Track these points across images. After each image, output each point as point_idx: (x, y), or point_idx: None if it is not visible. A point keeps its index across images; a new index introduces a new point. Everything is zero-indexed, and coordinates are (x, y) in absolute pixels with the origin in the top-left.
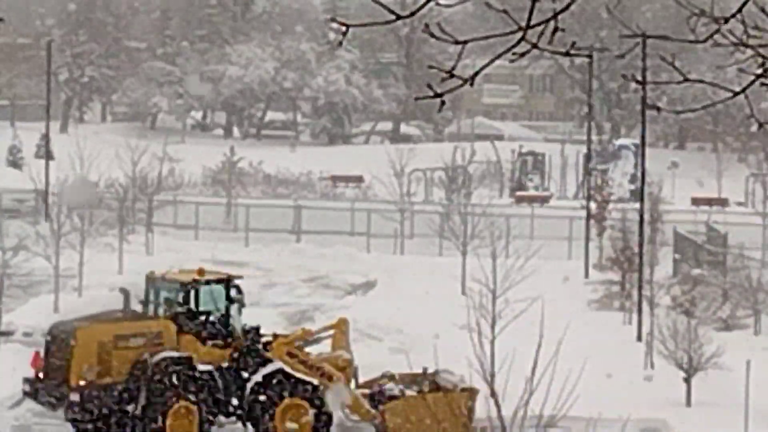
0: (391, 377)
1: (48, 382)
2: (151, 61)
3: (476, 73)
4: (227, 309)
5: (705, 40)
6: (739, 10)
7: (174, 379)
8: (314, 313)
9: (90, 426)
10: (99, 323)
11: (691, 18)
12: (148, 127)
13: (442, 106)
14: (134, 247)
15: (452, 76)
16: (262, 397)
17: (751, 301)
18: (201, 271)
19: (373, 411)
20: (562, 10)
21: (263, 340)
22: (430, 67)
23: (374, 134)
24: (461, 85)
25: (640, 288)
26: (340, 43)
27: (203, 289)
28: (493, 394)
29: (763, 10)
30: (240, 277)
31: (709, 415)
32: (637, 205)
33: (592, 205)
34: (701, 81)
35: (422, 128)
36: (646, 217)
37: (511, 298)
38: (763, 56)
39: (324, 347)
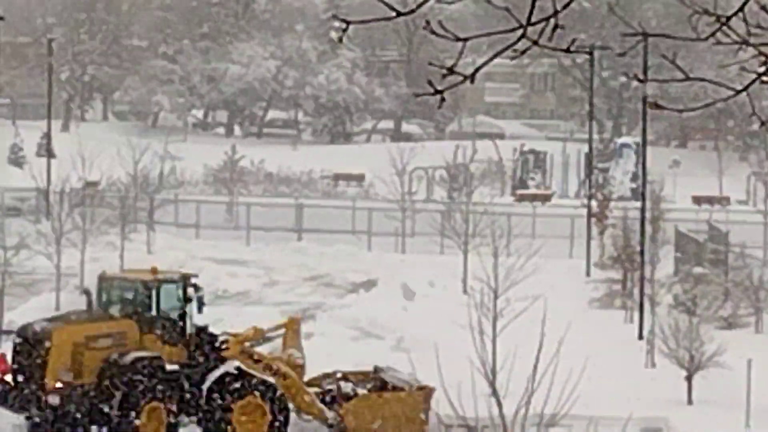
0: (338, 376)
1: (20, 385)
2: (152, 60)
3: (476, 70)
4: (184, 308)
5: (707, 39)
6: (741, 9)
7: (149, 379)
8: (315, 312)
9: (68, 429)
10: (71, 324)
11: (692, 16)
12: (150, 126)
13: (441, 103)
14: (135, 245)
15: (453, 73)
16: (219, 397)
17: (752, 299)
18: (154, 270)
19: (326, 410)
20: (563, 8)
21: (221, 338)
22: (431, 64)
23: (376, 133)
24: (461, 82)
25: (641, 286)
26: (341, 40)
27: (164, 288)
28: (494, 392)
29: (764, 8)
30: (195, 276)
31: (711, 413)
32: (639, 204)
33: (594, 204)
34: (703, 79)
35: (424, 127)
36: (648, 215)
37: (512, 297)
38: (765, 55)
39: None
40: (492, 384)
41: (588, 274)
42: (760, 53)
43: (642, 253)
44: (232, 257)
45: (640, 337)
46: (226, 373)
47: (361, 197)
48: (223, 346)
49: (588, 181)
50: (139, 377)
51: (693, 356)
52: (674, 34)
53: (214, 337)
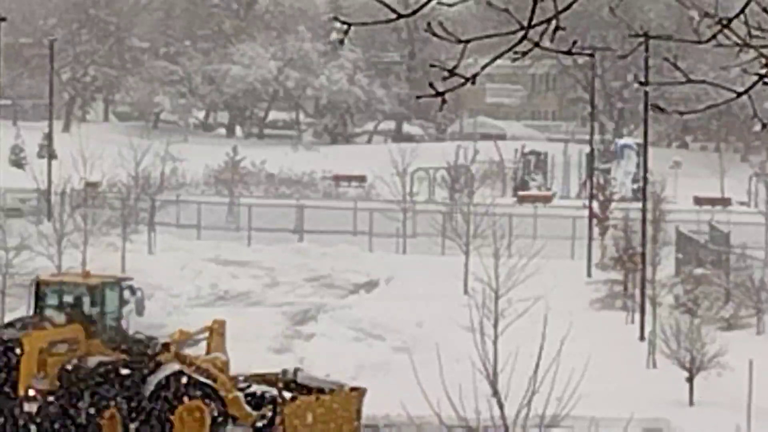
0: (242, 377)
1: None
2: (153, 61)
3: (478, 72)
4: (121, 311)
5: (708, 41)
6: (742, 11)
7: (111, 385)
8: (317, 313)
9: None
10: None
11: (693, 18)
12: (151, 127)
13: (443, 105)
14: (137, 246)
15: (454, 74)
16: (163, 400)
17: (753, 300)
18: (87, 274)
19: (253, 413)
20: (564, 9)
21: (153, 342)
22: (432, 65)
23: (377, 134)
24: (463, 84)
25: (642, 287)
26: (342, 42)
27: (107, 292)
28: (495, 393)
29: (765, 10)
30: (131, 279)
31: (712, 414)
32: (640, 205)
33: (595, 205)
34: (704, 81)
35: (425, 128)
36: (649, 216)
37: (513, 298)
38: (766, 56)
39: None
40: (493, 385)
41: (589, 275)
42: (762, 55)
43: (643, 254)
44: (234, 258)
45: (642, 337)
46: (169, 377)
47: (362, 198)
48: (158, 350)
49: (589, 182)
50: (103, 382)
51: (694, 357)
52: (675, 36)
53: (150, 340)
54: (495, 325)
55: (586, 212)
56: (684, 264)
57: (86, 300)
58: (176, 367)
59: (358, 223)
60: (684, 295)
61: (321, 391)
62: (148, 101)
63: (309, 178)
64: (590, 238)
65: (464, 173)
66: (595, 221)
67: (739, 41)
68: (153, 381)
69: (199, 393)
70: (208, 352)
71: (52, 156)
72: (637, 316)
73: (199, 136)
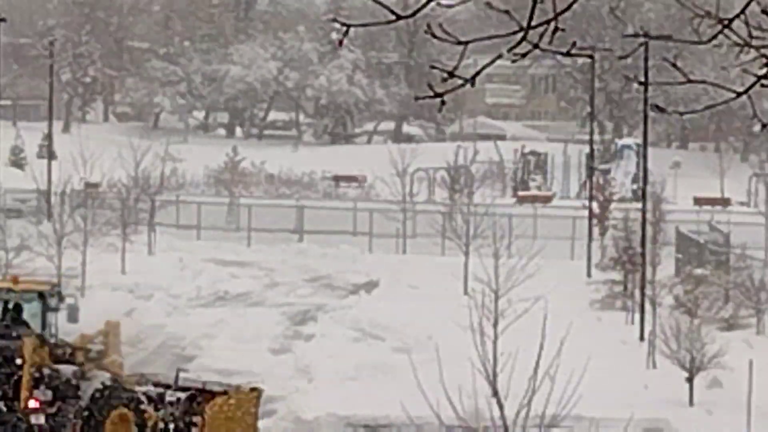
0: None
1: None
2: (153, 61)
3: (477, 73)
4: (45, 317)
5: (708, 41)
6: (743, 11)
7: (97, 395)
8: (317, 313)
9: None
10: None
11: (694, 18)
12: (151, 127)
13: (442, 106)
14: (137, 246)
15: (453, 76)
16: (96, 409)
17: (753, 300)
18: (15, 279)
19: (155, 414)
20: (564, 11)
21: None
22: (432, 66)
23: (377, 134)
24: (462, 85)
25: (642, 288)
26: (341, 43)
27: (49, 298)
28: (495, 393)
29: (765, 11)
30: (57, 285)
31: (712, 414)
32: (640, 205)
33: (595, 205)
34: (703, 81)
35: (425, 128)
36: (649, 216)
37: (513, 298)
38: (766, 57)
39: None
40: (493, 385)
41: (589, 275)
42: (762, 55)
43: (643, 254)
44: (233, 258)
45: (641, 338)
46: (103, 385)
47: (362, 198)
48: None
49: (589, 183)
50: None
51: (694, 357)
52: (675, 36)
53: (65, 345)
54: (495, 326)
55: (585, 212)
56: (684, 264)
57: (38, 307)
58: (108, 375)
59: (358, 223)
60: (684, 295)
61: (210, 392)
62: (148, 102)
63: (309, 178)
64: (590, 239)
65: (464, 173)
66: (594, 221)
67: (739, 41)
68: (89, 390)
69: (127, 401)
70: (105, 355)
71: (51, 156)
72: (637, 317)
73: (199, 137)
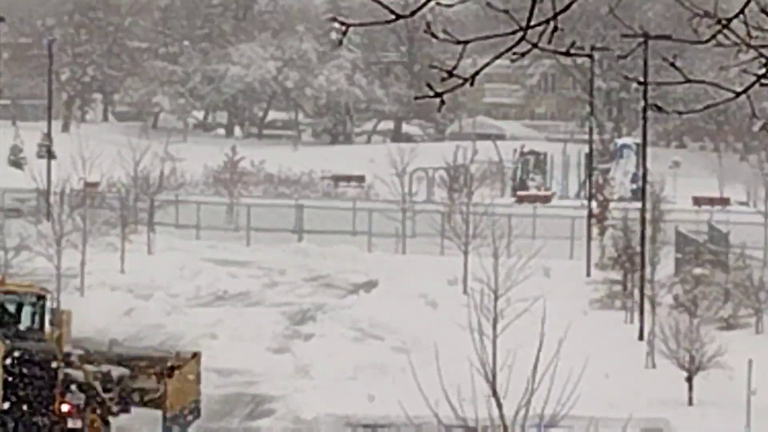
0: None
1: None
2: (152, 61)
3: (476, 73)
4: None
5: (707, 41)
6: (742, 11)
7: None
8: (316, 313)
9: None
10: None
11: (693, 18)
12: (150, 127)
13: (441, 106)
14: (136, 246)
15: (452, 75)
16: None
17: (752, 300)
18: (1, 281)
19: (106, 396)
20: (563, 11)
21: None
22: (432, 66)
23: (376, 134)
24: (461, 85)
25: (641, 287)
26: (340, 42)
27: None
28: (494, 393)
29: (764, 11)
30: (44, 292)
31: (711, 414)
32: (639, 205)
33: (594, 205)
34: (703, 81)
35: (424, 128)
36: (648, 216)
37: (512, 298)
38: (765, 56)
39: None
40: (492, 385)
41: (588, 274)
42: (761, 55)
43: (642, 253)
44: (233, 258)
45: (641, 337)
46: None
47: (361, 198)
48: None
49: (588, 182)
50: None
51: (693, 357)
52: (675, 36)
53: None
54: (494, 325)
55: (585, 212)
56: (683, 264)
57: (31, 309)
58: (81, 374)
59: (357, 223)
60: (683, 294)
61: (149, 359)
62: (147, 101)
63: (308, 178)
64: (589, 238)
65: (463, 173)
66: (594, 221)
67: (738, 41)
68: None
69: (95, 400)
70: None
71: (51, 156)
72: (636, 316)
73: (198, 136)
